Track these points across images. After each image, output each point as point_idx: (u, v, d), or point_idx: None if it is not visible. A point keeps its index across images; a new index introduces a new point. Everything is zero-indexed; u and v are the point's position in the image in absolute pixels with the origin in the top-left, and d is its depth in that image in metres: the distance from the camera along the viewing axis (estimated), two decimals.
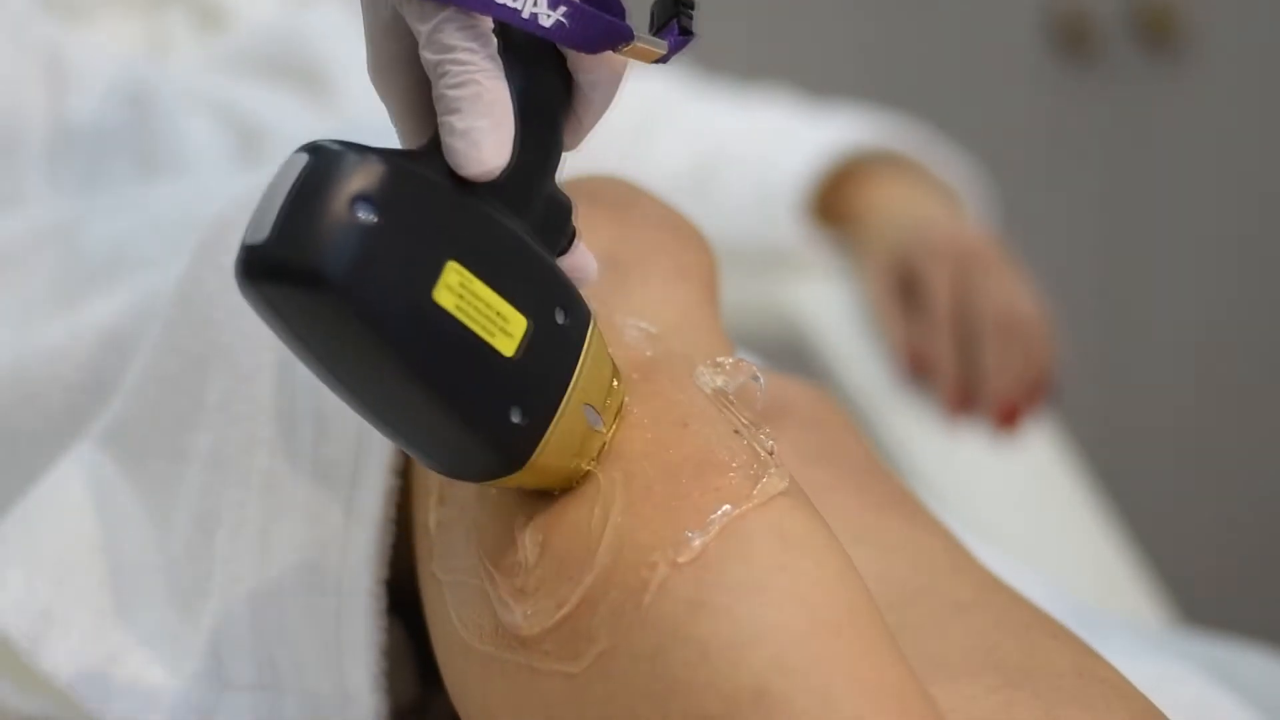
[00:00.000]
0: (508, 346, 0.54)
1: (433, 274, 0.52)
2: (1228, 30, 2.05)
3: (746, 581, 0.53)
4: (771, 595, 0.53)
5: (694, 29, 0.58)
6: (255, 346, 0.70)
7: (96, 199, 0.94)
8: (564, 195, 0.58)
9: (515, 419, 0.55)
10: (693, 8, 0.58)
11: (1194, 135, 2.07)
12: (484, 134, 0.54)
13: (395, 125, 0.58)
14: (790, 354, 1.31)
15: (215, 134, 1.07)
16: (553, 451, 0.56)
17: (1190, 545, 2.07)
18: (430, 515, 0.64)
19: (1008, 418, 1.24)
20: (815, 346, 1.33)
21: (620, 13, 0.56)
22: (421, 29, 0.54)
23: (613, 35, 0.55)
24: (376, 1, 0.56)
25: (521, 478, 0.56)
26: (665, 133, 1.33)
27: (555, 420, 0.56)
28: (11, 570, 0.71)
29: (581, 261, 0.58)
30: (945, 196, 1.33)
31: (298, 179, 0.51)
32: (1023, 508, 1.29)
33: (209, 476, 0.71)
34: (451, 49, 0.54)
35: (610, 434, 0.58)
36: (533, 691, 0.56)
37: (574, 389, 0.56)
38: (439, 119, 0.54)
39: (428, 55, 0.54)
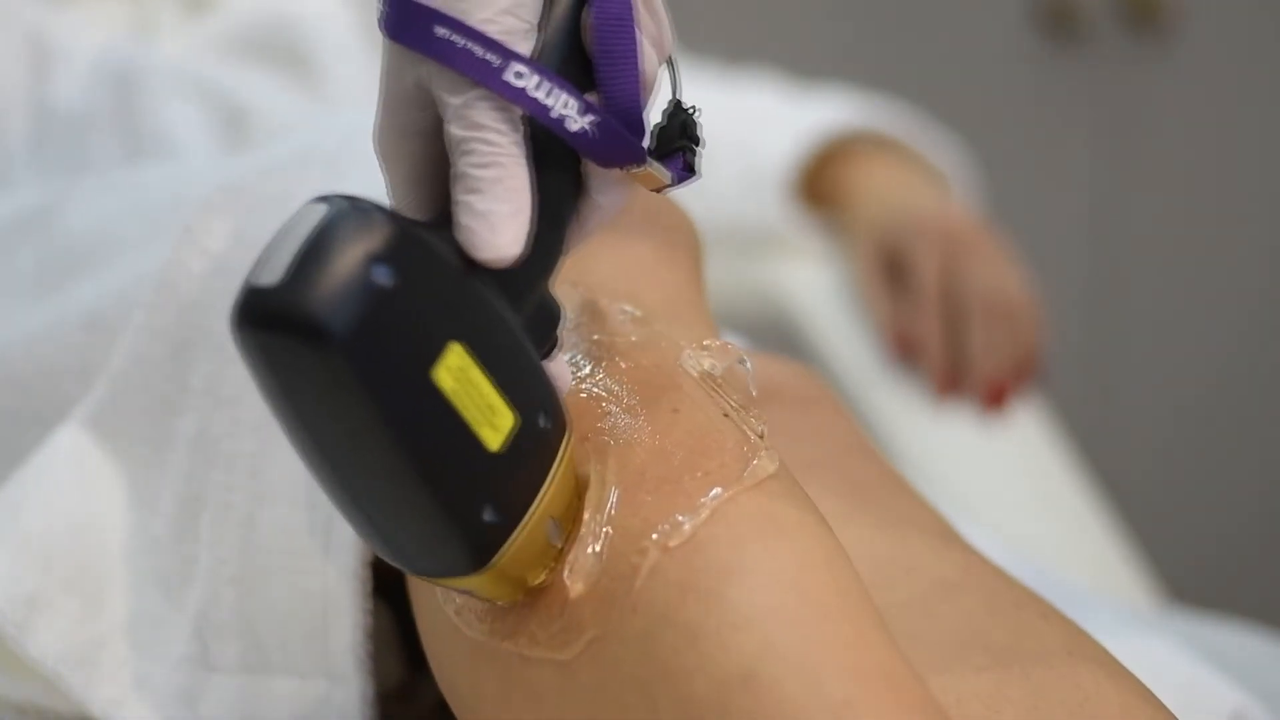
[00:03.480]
0: (494, 440, 0.52)
1: (435, 351, 0.50)
2: (1213, 13, 2.05)
3: (736, 565, 0.53)
4: (761, 579, 0.53)
5: (698, 169, 0.57)
6: None
7: (80, 182, 0.93)
8: (555, 301, 0.56)
9: (487, 516, 0.52)
10: (698, 144, 0.57)
11: (1180, 117, 2.07)
12: (502, 219, 0.52)
13: (393, 192, 0.56)
14: (777, 336, 1.31)
15: (200, 117, 1.07)
16: (513, 558, 0.54)
17: (1178, 525, 2.07)
18: None
19: (995, 399, 1.24)
20: (802, 328, 1.33)
21: (641, 135, 0.55)
22: (452, 103, 0.53)
23: (630, 154, 0.55)
24: (401, 69, 0.54)
25: (477, 581, 0.54)
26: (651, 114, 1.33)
27: (523, 525, 0.54)
28: None
29: (559, 371, 0.57)
30: (932, 178, 1.33)
31: (316, 227, 0.49)
32: (1010, 488, 1.29)
33: (194, 460, 0.70)
34: (481, 127, 0.53)
35: (563, 551, 0.55)
36: (522, 679, 0.56)
37: (545, 496, 0.54)
38: (457, 197, 0.53)
39: (455, 130, 0.53)
